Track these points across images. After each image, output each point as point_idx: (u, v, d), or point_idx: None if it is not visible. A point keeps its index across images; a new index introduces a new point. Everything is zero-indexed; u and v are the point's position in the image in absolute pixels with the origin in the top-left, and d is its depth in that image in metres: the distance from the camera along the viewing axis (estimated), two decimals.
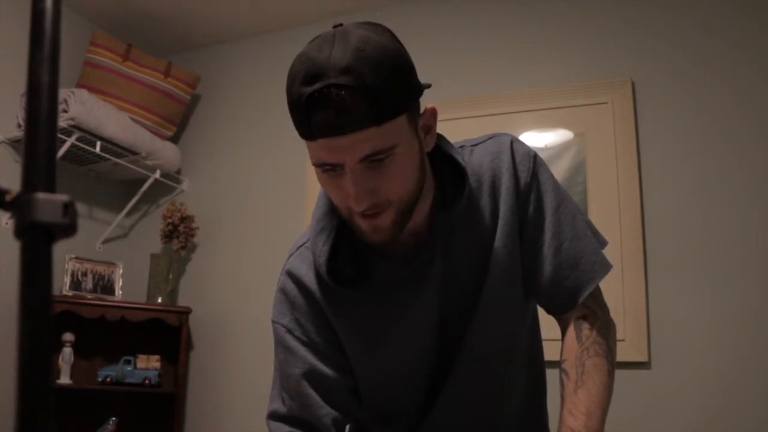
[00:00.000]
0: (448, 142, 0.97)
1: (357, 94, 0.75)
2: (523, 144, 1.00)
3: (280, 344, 1.01)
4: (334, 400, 0.98)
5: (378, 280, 0.95)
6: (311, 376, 0.98)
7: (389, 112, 0.78)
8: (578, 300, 0.96)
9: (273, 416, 1.01)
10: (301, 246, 1.02)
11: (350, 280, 0.94)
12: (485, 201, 0.96)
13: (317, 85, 0.76)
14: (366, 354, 0.99)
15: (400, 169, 0.82)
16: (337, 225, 0.94)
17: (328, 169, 0.82)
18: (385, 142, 0.79)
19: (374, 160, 0.80)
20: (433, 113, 0.89)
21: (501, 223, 0.95)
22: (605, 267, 0.98)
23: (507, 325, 1.00)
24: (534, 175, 0.97)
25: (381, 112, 0.77)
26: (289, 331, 1.00)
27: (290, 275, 1.00)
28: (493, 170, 0.96)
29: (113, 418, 2.45)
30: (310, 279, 0.98)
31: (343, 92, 0.75)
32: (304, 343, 0.99)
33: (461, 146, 0.99)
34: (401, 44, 0.84)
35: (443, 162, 0.95)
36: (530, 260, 0.98)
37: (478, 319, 0.96)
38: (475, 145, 1.00)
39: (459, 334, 0.97)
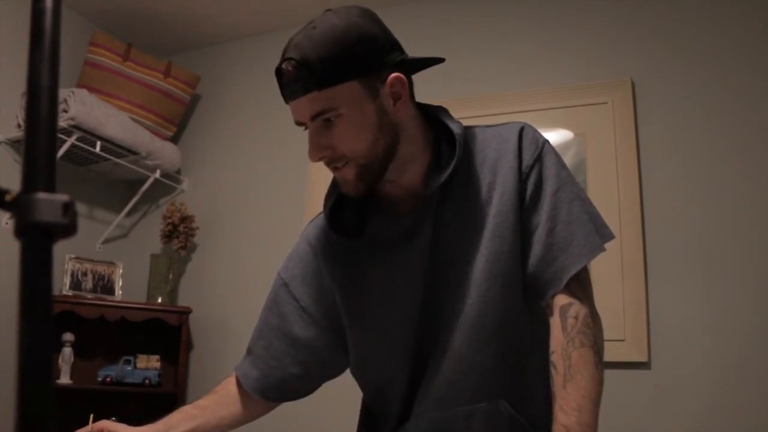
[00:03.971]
0: (446, 112, 1.05)
1: (298, 66, 0.91)
2: (534, 131, 1.04)
3: (272, 293, 1.16)
4: (299, 355, 1.12)
5: (374, 235, 1.03)
6: (283, 330, 1.13)
7: (329, 80, 0.91)
8: (563, 280, 0.96)
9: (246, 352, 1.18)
10: (318, 215, 1.15)
11: (349, 230, 1.05)
12: (485, 175, 1.00)
13: (280, 61, 0.94)
14: (359, 307, 1.06)
15: (348, 129, 0.94)
16: None
17: (302, 128, 0.98)
18: (328, 104, 0.92)
19: (324, 119, 0.94)
20: (399, 81, 0.97)
21: (497, 198, 0.98)
22: (594, 249, 0.97)
23: (499, 292, 0.98)
24: (538, 159, 1.00)
25: (320, 80, 0.91)
26: (285, 284, 1.14)
27: (305, 237, 1.15)
28: (498, 150, 1.01)
29: (113, 418, 2.45)
30: (319, 239, 1.12)
31: (290, 66, 0.92)
32: (293, 298, 1.12)
33: (476, 126, 1.07)
34: (369, 22, 0.95)
35: (442, 131, 1.03)
36: (525, 241, 0.99)
37: (470, 284, 0.97)
38: (491, 126, 1.06)
39: (447, 298, 0.99)
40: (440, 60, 1.00)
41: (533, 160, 1.00)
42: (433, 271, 1.00)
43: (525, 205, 0.99)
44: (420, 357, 1.01)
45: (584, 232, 0.98)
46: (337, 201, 1.05)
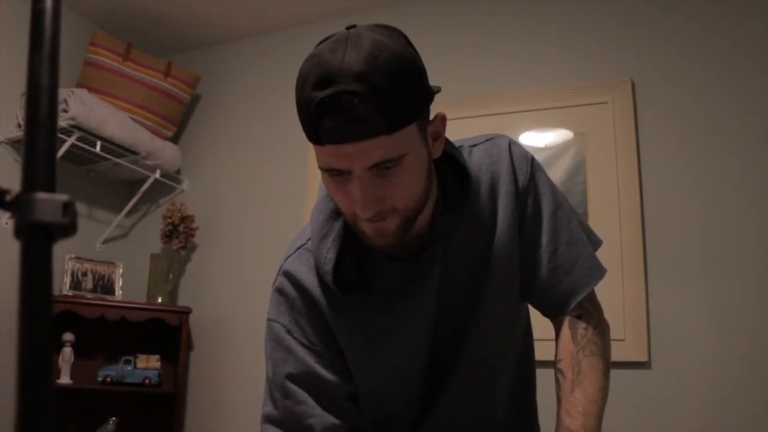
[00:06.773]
0: (450, 143, 0.95)
1: (369, 102, 0.74)
2: (520, 146, 1.01)
3: (277, 342, 0.98)
4: (331, 404, 0.96)
5: (380, 282, 0.94)
6: (308, 378, 0.96)
7: (400, 121, 0.77)
8: (571, 304, 0.97)
9: (267, 419, 0.99)
10: (300, 247, 0.99)
11: (354, 286, 0.92)
12: (484, 203, 0.95)
13: (328, 91, 0.74)
14: (365, 355, 0.98)
15: (408, 178, 0.81)
16: (340, 229, 0.92)
17: (335, 174, 0.81)
18: (395, 150, 0.78)
19: (382, 168, 0.78)
20: (442, 120, 0.88)
21: (500, 225, 0.95)
22: (599, 272, 0.99)
23: (506, 325, 1.00)
24: (531, 177, 0.98)
25: (392, 121, 0.76)
26: (289, 332, 0.97)
27: (288, 276, 0.98)
28: (492, 173, 0.97)
29: (113, 418, 2.45)
30: (310, 282, 0.96)
31: (355, 100, 0.73)
32: (303, 345, 0.96)
33: (459, 146, 0.99)
34: (414, 49, 0.83)
35: (446, 163, 0.94)
36: (526, 263, 0.98)
37: (479, 320, 0.96)
38: (473, 146, 1.00)
39: (458, 336, 0.97)
40: (437, 89, 0.87)
41: (528, 180, 0.97)
42: (441, 312, 0.95)
43: (524, 226, 0.98)
44: (427, 395, 1.00)
45: (587, 254, 0.99)
46: (336, 256, 0.92)
